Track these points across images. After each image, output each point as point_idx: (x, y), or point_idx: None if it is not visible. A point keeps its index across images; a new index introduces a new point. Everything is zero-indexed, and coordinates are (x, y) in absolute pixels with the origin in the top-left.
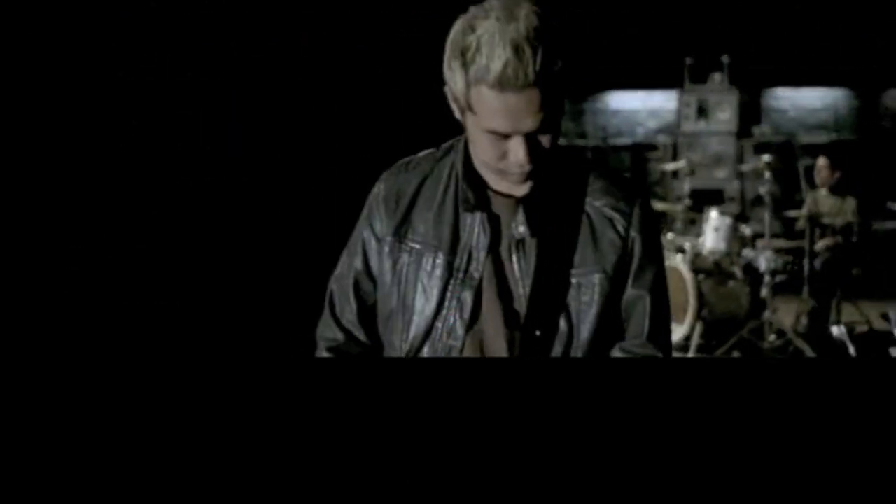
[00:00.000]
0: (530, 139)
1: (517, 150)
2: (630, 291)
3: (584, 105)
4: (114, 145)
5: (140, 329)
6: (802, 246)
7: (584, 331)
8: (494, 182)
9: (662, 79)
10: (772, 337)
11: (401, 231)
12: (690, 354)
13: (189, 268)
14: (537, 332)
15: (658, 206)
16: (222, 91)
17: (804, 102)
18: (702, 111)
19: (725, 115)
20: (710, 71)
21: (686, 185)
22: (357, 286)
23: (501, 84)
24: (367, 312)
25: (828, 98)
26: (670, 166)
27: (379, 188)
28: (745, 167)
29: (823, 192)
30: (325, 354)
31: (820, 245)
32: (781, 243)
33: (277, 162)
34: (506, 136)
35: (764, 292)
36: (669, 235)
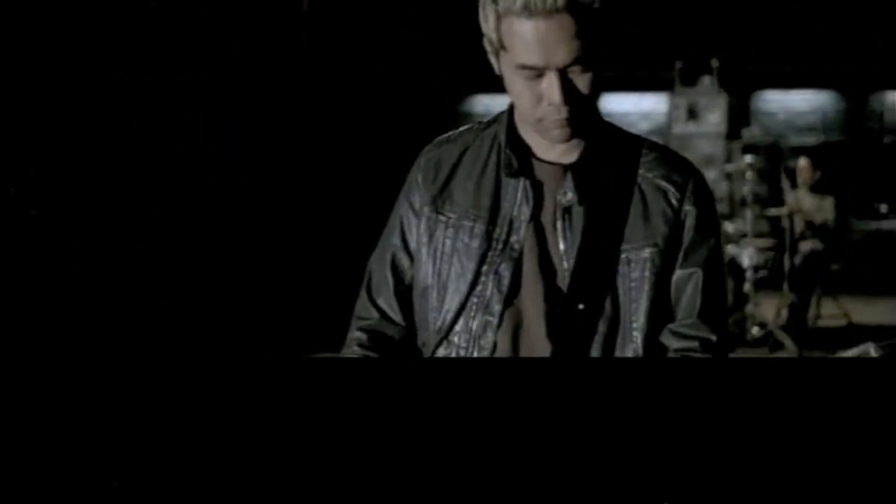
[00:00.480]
0: (565, 78)
1: (552, 90)
2: (682, 268)
3: None
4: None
5: (141, 328)
6: (784, 243)
7: (633, 309)
8: (541, 149)
9: (654, 82)
10: (754, 329)
11: (438, 202)
12: None
13: (189, 266)
14: (580, 307)
15: None
16: (222, 91)
17: (793, 105)
18: (692, 113)
19: (715, 117)
20: (700, 74)
21: None
22: (394, 264)
23: (529, 9)
24: (405, 292)
25: (816, 101)
26: None
27: (418, 162)
28: (729, 167)
29: (804, 191)
30: (356, 334)
31: (803, 246)
32: (763, 241)
33: (277, 161)
34: (539, 75)
35: (747, 287)
36: None
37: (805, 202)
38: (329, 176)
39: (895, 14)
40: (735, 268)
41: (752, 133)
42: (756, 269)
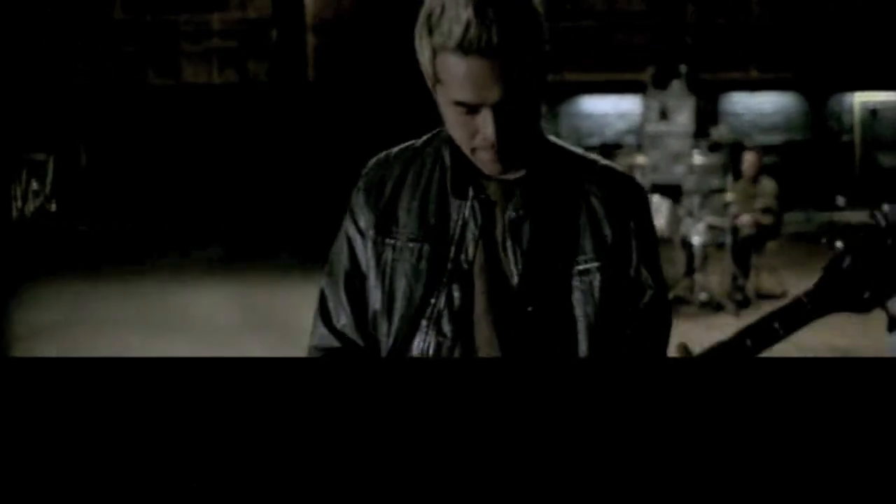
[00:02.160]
0: (499, 113)
1: (486, 127)
2: (629, 278)
3: (559, 108)
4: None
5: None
6: (726, 224)
7: (583, 322)
8: (485, 166)
9: (630, 85)
10: (702, 294)
11: (383, 225)
12: None
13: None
14: (531, 321)
15: None
16: None
17: (758, 106)
18: (663, 114)
19: (683, 117)
20: (671, 79)
21: (648, 180)
22: (348, 286)
23: (464, 48)
24: (362, 313)
25: (779, 103)
26: (637, 160)
27: (359, 184)
28: (694, 162)
29: (747, 180)
30: None
31: (742, 221)
32: (712, 220)
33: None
34: (474, 110)
35: (696, 260)
36: None
37: (747, 190)
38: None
39: (852, 23)
40: (687, 244)
41: (719, 132)
42: (704, 245)
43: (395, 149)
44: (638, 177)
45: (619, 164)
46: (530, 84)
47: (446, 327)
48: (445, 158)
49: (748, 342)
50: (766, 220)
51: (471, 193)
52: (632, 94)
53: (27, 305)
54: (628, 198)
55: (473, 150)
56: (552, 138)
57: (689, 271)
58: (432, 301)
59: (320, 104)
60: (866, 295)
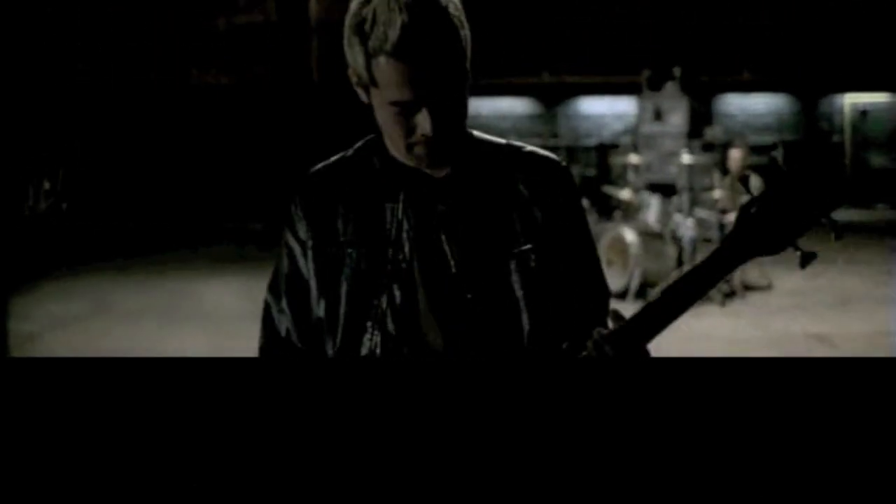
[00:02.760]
0: (435, 109)
1: (423, 123)
2: (567, 262)
3: (557, 109)
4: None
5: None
6: (713, 218)
7: (523, 305)
8: (421, 161)
9: (627, 87)
10: None
11: (322, 233)
12: (628, 300)
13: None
14: (473, 311)
15: (621, 194)
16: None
17: (751, 107)
18: (657, 115)
19: (677, 118)
20: (665, 81)
21: (643, 179)
22: (290, 295)
23: (399, 51)
24: (305, 321)
25: (772, 104)
26: (631, 159)
27: (296, 197)
28: (687, 161)
29: (733, 176)
30: None
31: (729, 219)
32: (701, 213)
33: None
34: (410, 109)
35: (685, 252)
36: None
37: (734, 186)
38: None
39: (842, 27)
40: (677, 238)
41: (713, 133)
42: (693, 239)
43: (329, 161)
44: (633, 176)
45: (613, 163)
46: (461, 83)
47: (391, 325)
48: (375, 164)
49: (684, 288)
50: None
51: (402, 196)
52: (628, 95)
53: (53, 298)
54: (553, 178)
55: (410, 147)
56: (475, 132)
57: (679, 263)
58: (375, 302)
59: (323, 105)
60: (776, 236)
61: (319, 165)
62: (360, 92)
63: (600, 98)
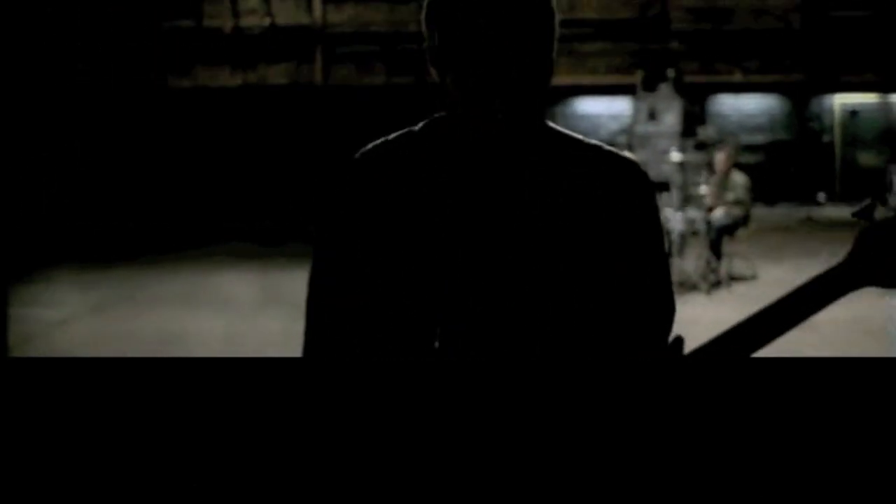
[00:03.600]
0: (514, 55)
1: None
2: (637, 272)
3: (555, 110)
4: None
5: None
6: (700, 215)
7: (579, 313)
8: (485, 120)
9: (622, 88)
10: (678, 275)
11: (379, 220)
12: None
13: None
14: (527, 319)
15: None
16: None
17: (744, 108)
18: (652, 115)
19: (671, 118)
20: (659, 82)
21: None
22: (343, 288)
23: (477, 23)
24: (362, 318)
25: (764, 104)
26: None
27: (351, 184)
28: (679, 160)
29: (720, 175)
30: None
31: (716, 217)
32: (691, 212)
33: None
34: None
35: (675, 246)
36: None
37: (720, 183)
38: None
39: (833, 29)
40: (667, 232)
41: (706, 132)
42: (682, 234)
43: (386, 140)
44: None
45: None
46: (542, 52)
47: (461, 324)
48: (442, 144)
49: (774, 318)
50: (737, 210)
51: (466, 181)
52: (623, 96)
53: (85, 287)
54: (631, 182)
55: (477, 95)
56: (551, 124)
57: (668, 255)
58: (437, 292)
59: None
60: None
61: (374, 146)
62: (434, 71)
63: (597, 99)
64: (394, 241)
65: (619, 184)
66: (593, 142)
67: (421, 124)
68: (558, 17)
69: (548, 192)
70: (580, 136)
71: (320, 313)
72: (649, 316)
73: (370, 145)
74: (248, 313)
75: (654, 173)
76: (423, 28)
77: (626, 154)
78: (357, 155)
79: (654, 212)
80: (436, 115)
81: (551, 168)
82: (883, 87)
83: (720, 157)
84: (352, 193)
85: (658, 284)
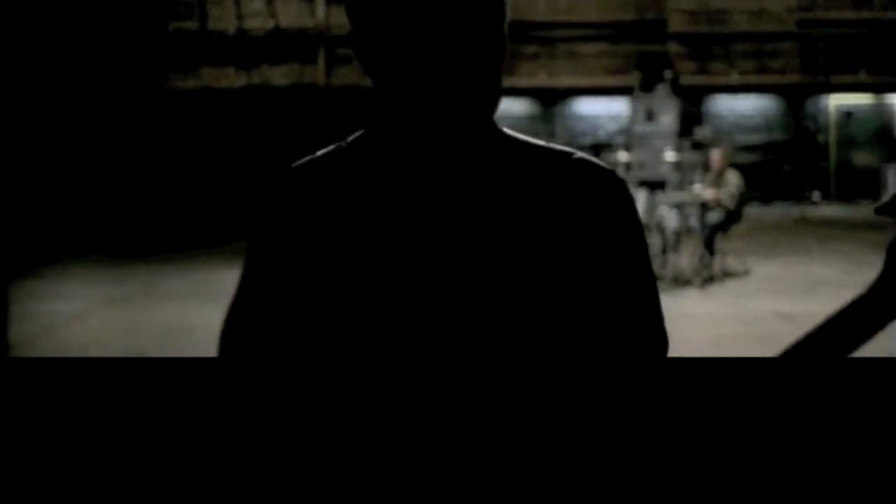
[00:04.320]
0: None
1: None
2: (614, 299)
3: (554, 110)
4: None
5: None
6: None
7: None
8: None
9: (620, 89)
10: (672, 270)
11: (312, 236)
12: None
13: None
14: (474, 344)
15: None
16: None
17: (740, 108)
18: (649, 116)
19: (668, 119)
20: (656, 83)
21: (635, 176)
22: (268, 305)
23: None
24: (287, 334)
25: (760, 105)
26: (620, 157)
27: (279, 192)
28: (675, 159)
29: (713, 175)
30: None
31: (709, 215)
32: (685, 208)
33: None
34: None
35: (669, 242)
36: None
37: (715, 181)
38: None
39: (827, 31)
40: (661, 228)
41: (703, 133)
42: (676, 230)
43: (315, 155)
44: (625, 173)
45: (605, 160)
46: (495, 40)
47: (383, 340)
48: (378, 156)
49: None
50: (728, 203)
51: (408, 193)
52: (621, 97)
53: (100, 282)
54: (606, 194)
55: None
56: (507, 129)
57: (663, 251)
58: (368, 312)
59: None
60: None
61: (305, 160)
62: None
63: (595, 99)
64: (331, 266)
65: (595, 196)
66: (561, 148)
67: (350, 138)
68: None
69: (510, 209)
70: (544, 143)
71: (238, 343)
72: (635, 348)
73: (299, 162)
74: None
75: (650, 172)
76: (349, 19)
77: (597, 161)
78: (287, 170)
79: (636, 228)
80: (364, 130)
81: (513, 181)
82: (877, 88)
83: (715, 157)
84: (284, 212)
85: (644, 311)
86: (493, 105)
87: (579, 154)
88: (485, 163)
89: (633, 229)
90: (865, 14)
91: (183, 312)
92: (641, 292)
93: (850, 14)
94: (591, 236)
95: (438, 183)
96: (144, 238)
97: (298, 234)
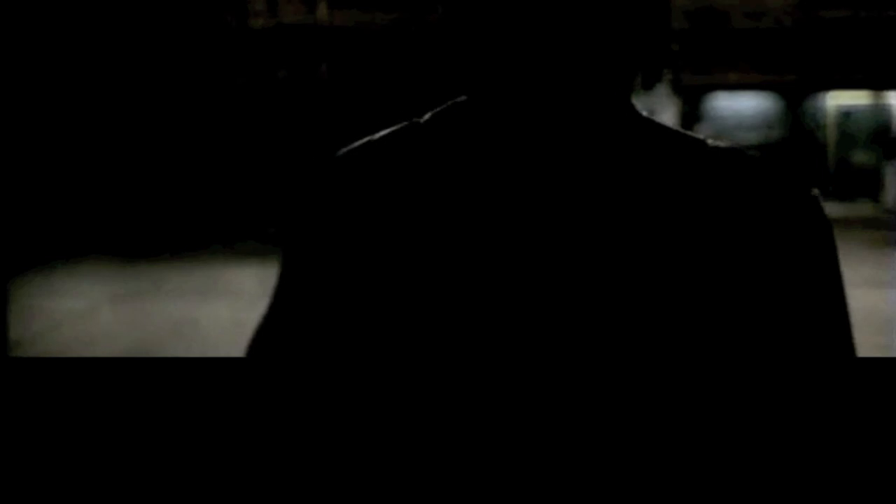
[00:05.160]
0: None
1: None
2: (782, 351)
3: None
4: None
5: None
6: None
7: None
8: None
9: None
10: None
11: (370, 253)
12: None
13: None
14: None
15: None
16: None
17: (740, 107)
18: (649, 114)
19: (668, 118)
20: (655, 81)
21: None
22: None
23: None
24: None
25: (759, 104)
26: None
27: (317, 189)
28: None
29: None
30: None
31: None
32: None
33: None
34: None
35: None
36: None
37: None
38: None
39: (826, 30)
40: None
41: (699, 131)
42: None
43: (374, 137)
44: None
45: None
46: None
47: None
48: (465, 141)
49: None
50: None
51: (507, 190)
52: None
53: (108, 279)
54: (792, 214)
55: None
56: (650, 116)
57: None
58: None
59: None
60: None
61: (359, 143)
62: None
63: None
64: (394, 286)
65: (777, 217)
66: (727, 144)
67: (430, 114)
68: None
69: (649, 225)
70: (702, 136)
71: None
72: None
73: (355, 144)
74: (252, 304)
75: None
76: None
77: (783, 166)
78: (337, 156)
79: (835, 267)
80: (454, 101)
81: (654, 186)
82: (875, 86)
83: None
84: (329, 212)
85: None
86: (629, 85)
87: (758, 154)
88: (618, 160)
89: (833, 267)
90: (864, 13)
91: (190, 309)
92: (842, 358)
93: (848, 13)
94: (777, 273)
95: (552, 180)
96: (153, 236)
97: (349, 241)
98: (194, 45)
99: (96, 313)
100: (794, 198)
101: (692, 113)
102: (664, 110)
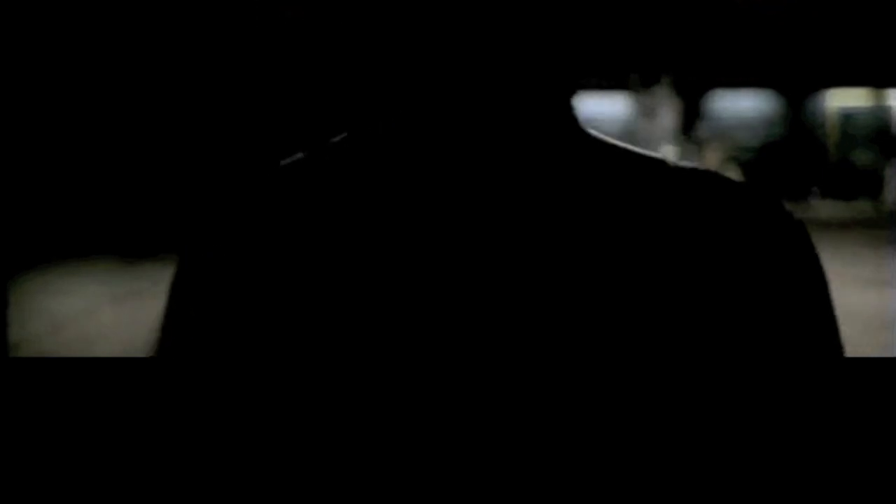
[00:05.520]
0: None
1: None
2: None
3: None
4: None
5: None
6: None
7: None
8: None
9: (621, 89)
10: None
11: (265, 295)
12: None
13: None
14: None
15: None
16: None
17: (741, 106)
18: (648, 113)
19: (668, 117)
20: (656, 82)
21: None
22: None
23: None
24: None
25: (761, 102)
26: None
27: (213, 219)
28: (669, 154)
29: None
30: None
31: None
32: None
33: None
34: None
35: None
36: None
37: None
38: None
39: (823, 30)
40: None
41: (701, 129)
42: None
43: (287, 162)
44: None
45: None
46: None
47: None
48: (377, 166)
49: None
50: None
51: (428, 221)
52: (621, 94)
53: (118, 278)
54: (785, 249)
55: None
56: (592, 130)
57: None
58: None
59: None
60: None
61: (260, 172)
62: None
63: (595, 98)
64: (292, 324)
65: (759, 245)
66: (692, 165)
67: (337, 138)
68: None
69: (591, 261)
70: (646, 152)
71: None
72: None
73: (253, 175)
74: None
75: None
76: None
77: (750, 187)
78: (234, 185)
79: (827, 304)
80: (356, 129)
81: (600, 212)
82: (875, 84)
83: (709, 154)
84: (225, 243)
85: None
86: (570, 86)
87: (726, 176)
88: (558, 176)
89: (825, 304)
90: (863, 12)
91: None
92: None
93: (847, 12)
94: (763, 308)
95: (480, 204)
96: (153, 234)
97: (247, 274)
98: (194, 45)
99: (96, 313)
100: (779, 224)
101: (692, 112)
102: (664, 108)
